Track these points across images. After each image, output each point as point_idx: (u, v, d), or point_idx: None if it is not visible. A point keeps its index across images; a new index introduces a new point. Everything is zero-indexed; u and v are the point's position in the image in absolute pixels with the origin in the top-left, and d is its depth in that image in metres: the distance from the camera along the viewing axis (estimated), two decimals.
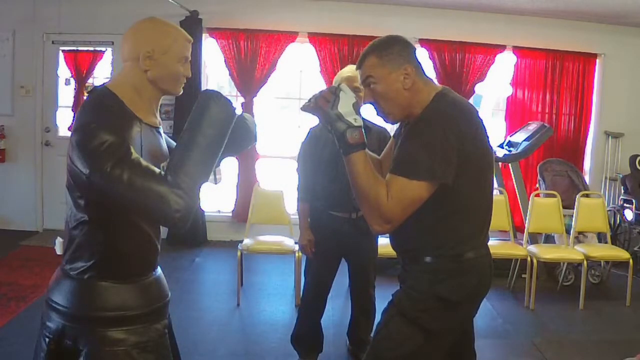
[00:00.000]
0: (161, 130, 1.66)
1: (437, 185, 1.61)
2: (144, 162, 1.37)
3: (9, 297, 3.89)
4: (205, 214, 5.76)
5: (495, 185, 5.34)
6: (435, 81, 6.01)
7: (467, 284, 1.74)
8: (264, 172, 5.92)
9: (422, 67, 1.77)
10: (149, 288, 1.59)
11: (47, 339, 1.51)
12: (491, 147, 1.79)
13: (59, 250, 1.57)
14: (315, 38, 5.59)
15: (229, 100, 1.48)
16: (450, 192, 1.63)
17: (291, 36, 5.58)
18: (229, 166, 5.79)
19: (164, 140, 1.67)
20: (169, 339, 1.67)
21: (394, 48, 1.72)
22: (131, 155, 1.36)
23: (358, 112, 1.64)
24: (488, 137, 1.75)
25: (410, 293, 1.76)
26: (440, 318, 1.72)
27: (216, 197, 5.93)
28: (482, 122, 1.73)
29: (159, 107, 1.63)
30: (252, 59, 5.57)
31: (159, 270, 1.68)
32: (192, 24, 5.43)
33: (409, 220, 1.63)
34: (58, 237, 1.58)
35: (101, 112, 1.43)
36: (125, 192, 1.33)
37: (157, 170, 1.38)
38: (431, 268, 1.74)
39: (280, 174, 6.08)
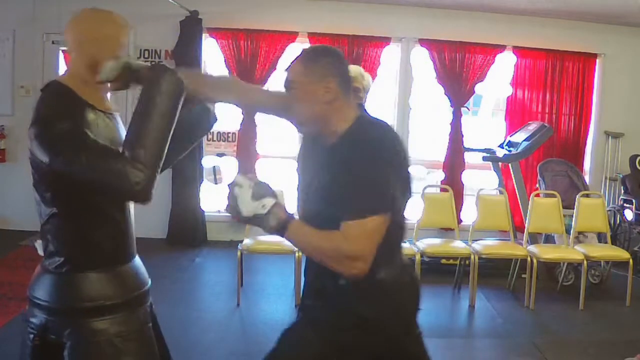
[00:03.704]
0: (118, 117, 1.68)
1: (389, 215, 1.54)
2: (101, 143, 1.43)
3: (8, 297, 3.89)
4: (205, 214, 5.76)
5: (496, 185, 5.35)
6: (435, 81, 6.03)
7: (372, 306, 1.63)
8: (264, 172, 5.92)
9: (349, 86, 1.71)
10: (126, 276, 1.62)
11: (31, 335, 1.55)
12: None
13: (40, 251, 1.60)
14: (315, 38, 5.59)
15: (176, 72, 1.52)
16: None
17: (291, 36, 5.58)
18: (229, 166, 5.80)
19: (122, 126, 1.69)
20: (154, 330, 1.69)
21: (323, 59, 1.68)
22: (88, 139, 1.42)
23: (264, 195, 1.53)
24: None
25: (320, 305, 1.71)
26: (344, 334, 1.63)
27: (216, 197, 5.92)
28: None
29: (109, 93, 1.67)
30: (252, 59, 5.57)
31: (137, 258, 1.70)
32: (192, 24, 5.43)
33: None
34: (38, 240, 1.60)
35: (54, 103, 1.49)
36: (86, 173, 1.39)
37: (114, 148, 1.43)
38: (344, 288, 1.65)
39: (280, 174, 6.07)
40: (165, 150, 1.47)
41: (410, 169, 1.68)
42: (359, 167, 1.55)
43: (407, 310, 1.74)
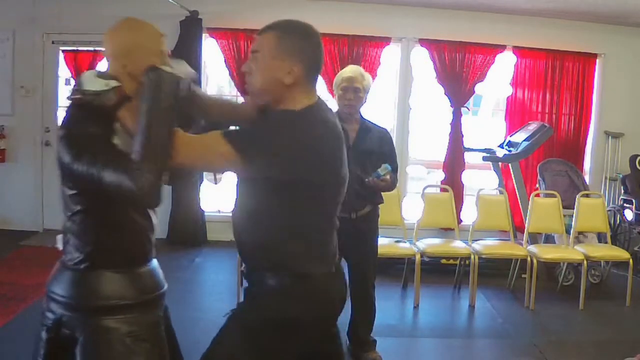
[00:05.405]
0: None
1: (238, 161, 1.48)
2: (118, 149, 1.50)
3: (8, 297, 3.89)
4: (205, 214, 5.76)
5: (496, 185, 5.35)
6: (435, 81, 6.01)
7: (290, 308, 1.61)
8: None
9: (316, 75, 1.64)
10: (142, 278, 1.66)
11: (46, 328, 1.59)
12: (342, 173, 1.63)
13: (60, 245, 1.63)
14: None
15: (173, 73, 1.52)
16: (280, 206, 1.56)
17: None
18: None
19: None
20: (167, 332, 1.72)
21: (296, 37, 1.64)
22: (108, 143, 1.49)
23: (108, 78, 1.56)
24: (341, 161, 1.63)
25: (245, 305, 1.70)
26: (264, 338, 1.62)
27: (216, 197, 5.93)
28: (340, 146, 1.61)
29: None
30: None
31: (154, 262, 1.73)
32: (192, 24, 5.43)
33: (253, 233, 1.61)
34: (60, 235, 1.64)
35: (83, 107, 1.54)
36: (99, 177, 1.43)
37: (127, 154, 1.46)
38: (273, 288, 1.63)
39: None
40: (170, 151, 1.45)
41: (327, 177, 1.58)
42: (259, 125, 1.61)
43: (329, 309, 1.69)
